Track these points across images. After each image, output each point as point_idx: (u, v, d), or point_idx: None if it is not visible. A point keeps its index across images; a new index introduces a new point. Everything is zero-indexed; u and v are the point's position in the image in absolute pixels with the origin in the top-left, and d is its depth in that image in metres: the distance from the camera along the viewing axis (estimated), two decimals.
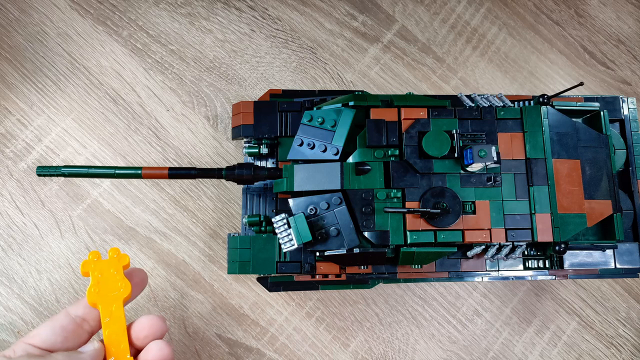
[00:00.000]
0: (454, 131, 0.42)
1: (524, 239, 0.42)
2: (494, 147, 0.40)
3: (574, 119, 0.45)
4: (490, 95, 0.47)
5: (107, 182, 0.53)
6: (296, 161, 0.44)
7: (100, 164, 0.53)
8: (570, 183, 0.43)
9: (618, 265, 0.46)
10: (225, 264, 0.52)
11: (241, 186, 0.50)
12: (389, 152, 0.43)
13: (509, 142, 0.43)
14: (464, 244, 0.43)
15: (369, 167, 0.42)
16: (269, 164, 0.49)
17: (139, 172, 0.42)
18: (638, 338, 0.54)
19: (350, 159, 0.43)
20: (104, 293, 0.32)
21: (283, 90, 0.50)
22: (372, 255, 0.42)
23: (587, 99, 0.50)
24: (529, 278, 0.47)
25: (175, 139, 0.55)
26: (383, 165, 0.42)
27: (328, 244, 0.41)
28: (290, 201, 0.42)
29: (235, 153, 0.55)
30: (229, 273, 0.45)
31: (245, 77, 0.57)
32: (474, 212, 0.42)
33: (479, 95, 0.47)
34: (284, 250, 0.41)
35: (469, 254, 0.44)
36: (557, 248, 0.42)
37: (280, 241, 0.41)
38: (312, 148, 0.43)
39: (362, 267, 0.46)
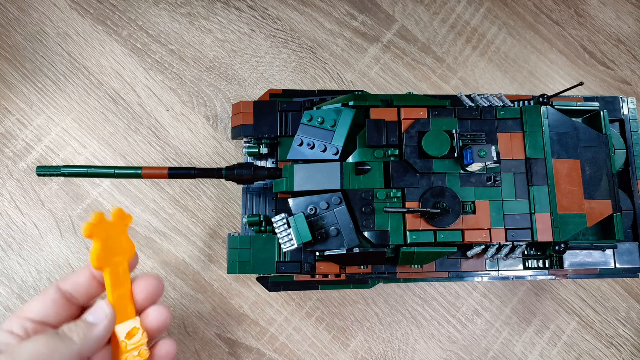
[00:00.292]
0: (454, 131, 0.42)
1: (524, 239, 0.42)
2: (494, 147, 0.40)
3: (574, 119, 0.45)
4: (490, 95, 0.47)
5: (107, 182, 0.53)
6: (296, 161, 0.44)
7: (100, 164, 0.53)
8: (570, 183, 0.43)
9: (618, 265, 0.46)
10: (225, 264, 0.52)
11: (241, 186, 0.50)
12: (389, 152, 0.43)
13: (509, 142, 0.43)
14: (464, 244, 0.43)
15: (369, 167, 0.42)
16: (269, 164, 0.49)
17: (139, 172, 0.42)
18: (638, 338, 0.54)
19: (350, 159, 0.43)
20: (109, 256, 0.31)
21: (283, 90, 0.50)
22: (372, 255, 0.42)
23: (587, 99, 0.50)
24: (529, 278, 0.47)
25: (175, 139, 0.55)
26: (383, 165, 0.42)
27: (328, 244, 0.41)
28: (290, 201, 0.42)
29: (235, 153, 0.55)
30: (229, 273, 0.45)
31: (245, 77, 0.57)
32: (474, 212, 0.42)
33: (479, 95, 0.47)
34: (284, 250, 0.41)
35: (469, 254, 0.44)
36: (557, 248, 0.42)
37: (280, 241, 0.41)
38: (312, 148, 0.43)
39: (362, 267, 0.46)
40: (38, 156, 0.53)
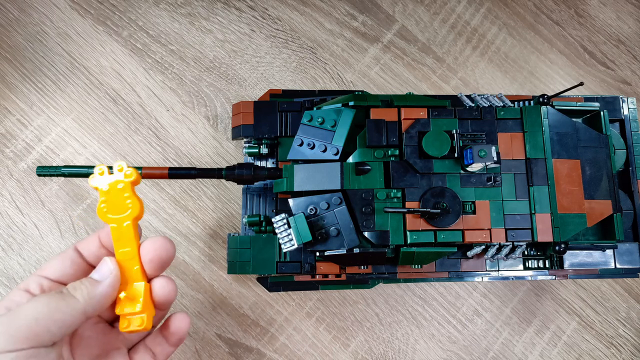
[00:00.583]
0: (454, 131, 0.42)
1: (524, 239, 0.42)
2: (494, 147, 0.40)
3: (574, 119, 0.45)
4: (490, 95, 0.47)
5: None
6: (296, 161, 0.44)
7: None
8: (570, 183, 0.43)
9: (618, 265, 0.46)
10: (225, 264, 0.52)
11: (241, 186, 0.50)
12: (389, 152, 0.43)
13: (509, 142, 0.43)
14: (464, 244, 0.43)
15: (369, 167, 0.42)
16: (269, 164, 0.49)
17: (139, 172, 0.42)
18: (638, 338, 0.54)
19: (350, 159, 0.43)
20: (113, 211, 0.30)
21: (283, 90, 0.50)
22: (372, 255, 0.42)
23: (587, 99, 0.50)
24: (529, 278, 0.47)
25: (175, 139, 0.55)
26: (383, 165, 0.42)
27: (328, 244, 0.41)
28: (290, 201, 0.42)
29: (235, 153, 0.55)
30: (229, 273, 0.45)
31: (245, 77, 0.57)
32: (474, 212, 0.42)
33: (479, 95, 0.47)
34: (284, 250, 0.41)
35: (469, 254, 0.44)
36: (557, 248, 0.42)
37: (280, 241, 0.41)
38: (312, 148, 0.43)
39: (362, 267, 0.46)
40: (38, 156, 0.53)
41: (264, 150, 0.47)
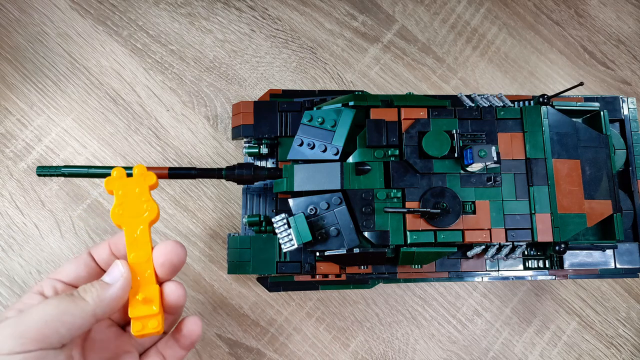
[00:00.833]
0: (454, 131, 0.42)
1: (524, 239, 0.42)
2: (494, 147, 0.40)
3: (574, 119, 0.45)
4: (490, 95, 0.47)
5: None
6: (296, 161, 0.44)
7: (100, 164, 0.53)
8: (570, 183, 0.43)
9: (618, 265, 0.46)
10: (225, 264, 0.52)
11: (241, 186, 0.50)
12: (389, 152, 0.43)
13: (509, 142, 0.43)
14: (464, 244, 0.43)
15: (369, 167, 0.42)
16: (269, 164, 0.49)
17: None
18: (638, 338, 0.54)
19: (350, 159, 0.43)
20: (129, 214, 0.29)
21: (283, 90, 0.50)
22: (372, 255, 0.42)
23: (587, 99, 0.50)
24: (529, 278, 0.47)
25: (175, 139, 0.55)
26: (383, 165, 0.42)
27: (328, 244, 0.41)
28: (290, 201, 0.42)
29: (235, 153, 0.55)
30: (229, 273, 0.45)
31: (245, 77, 0.57)
32: (474, 212, 0.42)
33: (479, 95, 0.47)
34: (284, 250, 0.41)
35: (469, 254, 0.44)
36: (557, 248, 0.42)
37: (280, 241, 0.41)
38: (312, 148, 0.43)
39: (362, 267, 0.46)
40: (38, 156, 0.53)
41: (264, 150, 0.47)
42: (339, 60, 0.58)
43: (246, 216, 0.46)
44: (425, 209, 0.40)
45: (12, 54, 0.55)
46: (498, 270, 0.46)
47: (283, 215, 0.41)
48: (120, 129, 0.54)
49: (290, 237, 0.40)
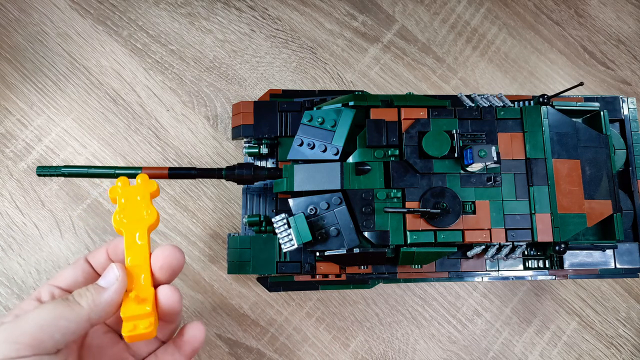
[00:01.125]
0: (454, 131, 0.42)
1: (524, 239, 0.42)
2: (494, 147, 0.40)
3: (574, 119, 0.45)
4: (490, 95, 0.47)
5: (107, 182, 0.53)
6: (296, 161, 0.44)
7: (100, 164, 0.53)
8: (570, 183, 0.43)
9: (618, 265, 0.46)
10: (225, 264, 0.52)
11: (241, 186, 0.50)
12: (389, 152, 0.43)
13: (509, 142, 0.43)
14: (464, 244, 0.43)
15: (369, 167, 0.42)
16: (269, 164, 0.49)
17: (139, 172, 0.42)
18: (638, 338, 0.54)
19: (350, 159, 0.43)
20: (129, 220, 0.30)
21: (283, 90, 0.50)
22: (372, 255, 0.42)
23: (587, 99, 0.50)
24: (529, 278, 0.47)
25: (175, 139, 0.55)
26: (383, 165, 0.42)
27: (328, 244, 0.41)
28: (290, 201, 0.42)
29: (235, 153, 0.55)
30: (229, 273, 0.45)
31: (245, 77, 0.57)
32: (474, 212, 0.42)
33: (479, 95, 0.47)
34: (284, 250, 0.41)
35: (469, 254, 0.44)
36: (557, 248, 0.42)
37: (280, 241, 0.41)
38: (312, 148, 0.43)
39: (362, 267, 0.46)
40: (38, 156, 0.53)
41: (264, 150, 0.47)
42: (339, 60, 0.58)
43: (246, 216, 0.46)
44: (425, 209, 0.40)
45: (12, 53, 0.55)
46: (498, 270, 0.46)
47: (283, 215, 0.41)
48: (120, 129, 0.54)
49: (290, 237, 0.40)
